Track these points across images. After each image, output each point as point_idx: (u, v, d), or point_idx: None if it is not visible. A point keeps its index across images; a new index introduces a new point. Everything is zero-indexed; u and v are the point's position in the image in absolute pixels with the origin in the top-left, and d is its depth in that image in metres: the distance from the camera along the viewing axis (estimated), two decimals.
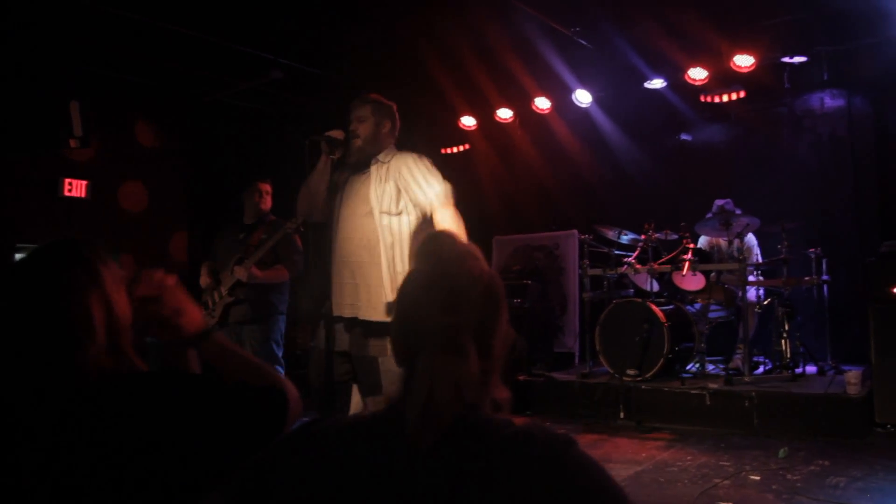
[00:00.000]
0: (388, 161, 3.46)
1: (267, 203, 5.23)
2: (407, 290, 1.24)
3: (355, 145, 3.47)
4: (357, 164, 3.51)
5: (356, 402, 3.56)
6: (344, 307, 3.39)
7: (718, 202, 6.61)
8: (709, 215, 6.49)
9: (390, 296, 3.27)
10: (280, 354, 5.06)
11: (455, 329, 1.15)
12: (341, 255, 3.42)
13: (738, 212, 6.34)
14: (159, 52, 6.83)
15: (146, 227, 7.64)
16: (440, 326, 1.14)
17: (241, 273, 4.74)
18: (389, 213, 3.36)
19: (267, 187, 5.23)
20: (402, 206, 3.38)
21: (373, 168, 3.45)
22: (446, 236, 1.31)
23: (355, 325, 3.34)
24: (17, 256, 6.15)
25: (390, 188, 3.37)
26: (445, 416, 1.09)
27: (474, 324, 1.17)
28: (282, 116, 8.39)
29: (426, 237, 1.32)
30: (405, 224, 3.38)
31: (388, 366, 3.18)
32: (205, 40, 6.55)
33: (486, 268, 1.27)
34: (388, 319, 3.20)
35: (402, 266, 3.32)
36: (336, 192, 3.51)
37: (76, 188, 6.73)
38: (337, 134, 3.41)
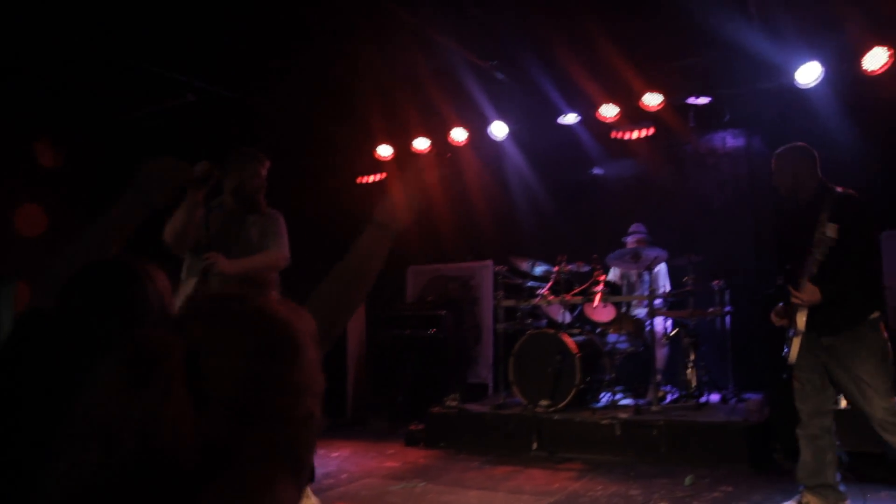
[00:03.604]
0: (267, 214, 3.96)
1: None
2: None
3: (252, 194, 3.88)
4: (239, 209, 3.89)
5: None
6: None
7: (632, 227, 6.85)
8: (626, 238, 6.72)
9: None
10: None
11: None
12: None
13: (648, 237, 6.68)
14: (65, 69, 6.55)
15: (45, 253, 7.25)
16: None
17: None
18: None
19: None
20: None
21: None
22: None
23: None
24: None
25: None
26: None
27: None
28: (195, 140, 8.17)
29: None
30: None
31: None
32: (116, 59, 6.33)
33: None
34: None
35: None
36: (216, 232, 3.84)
37: None
38: (202, 169, 3.34)
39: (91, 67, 6.56)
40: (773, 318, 4.00)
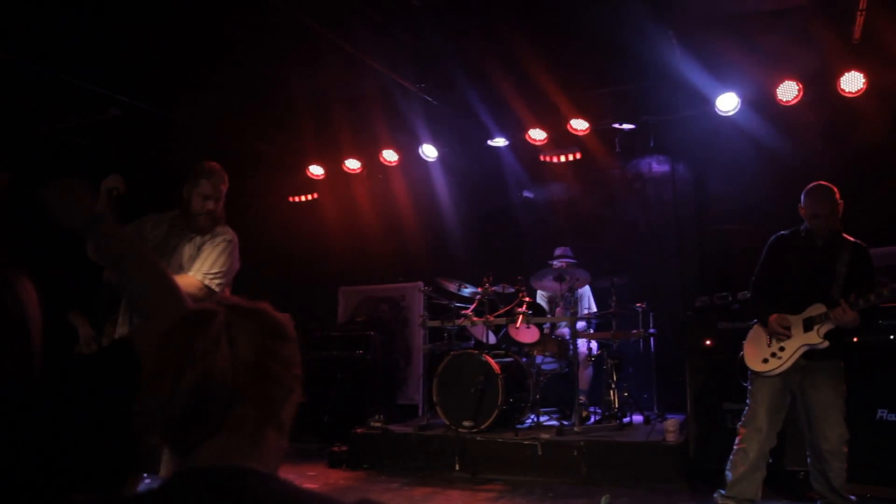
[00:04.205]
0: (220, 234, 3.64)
1: None
2: None
3: (194, 211, 3.58)
4: (193, 230, 3.61)
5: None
6: None
7: (557, 251, 6.96)
8: (553, 262, 6.80)
9: None
10: None
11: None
12: None
13: (574, 261, 6.74)
14: None
15: None
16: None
17: None
18: None
19: None
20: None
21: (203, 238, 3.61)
22: None
23: None
24: None
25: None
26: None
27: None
28: (120, 155, 8.00)
29: None
30: None
31: None
32: (36, 70, 6.17)
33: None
34: None
35: None
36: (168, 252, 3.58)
37: None
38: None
39: (9, 78, 6.38)
40: (777, 325, 4.02)
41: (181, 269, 3.54)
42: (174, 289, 1.66)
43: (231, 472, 1.06)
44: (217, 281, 3.46)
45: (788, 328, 4.00)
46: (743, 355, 4.21)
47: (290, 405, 1.18)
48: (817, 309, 3.97)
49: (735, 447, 4.05)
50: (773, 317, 4.05)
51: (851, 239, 4.10)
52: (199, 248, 3.54)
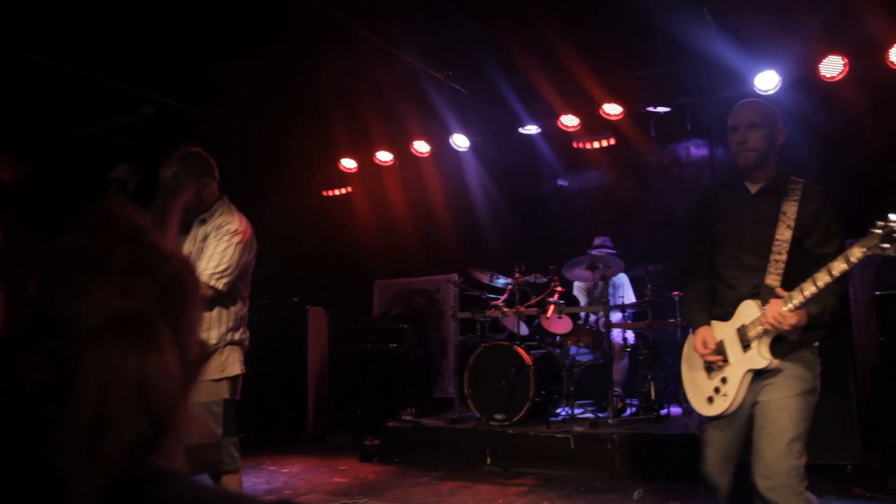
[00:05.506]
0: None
1: None
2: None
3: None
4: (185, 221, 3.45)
5: None
6: None
7: (597, 240, 6.79)
8: (592, 251, 6.64)
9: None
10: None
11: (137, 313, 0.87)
12: None
13: (614, 251, 6.57)
14: (23, 83, 6.52)
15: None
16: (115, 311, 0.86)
17: None
18: None
19: None
20: None
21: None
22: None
23: None
24: None
25: None
26: (124, 439, 0.80)
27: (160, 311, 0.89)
28: (154, 153, 8.11)
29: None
30: None
31: None
32: (73, 72, 6.30)
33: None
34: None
35: None
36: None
37: None
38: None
39: (48, 81, 6.52)
40: (701, 348, 2.79)
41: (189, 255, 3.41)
42: None
43: (138, 481, 0.85)
44: (224, 280, 3.22)
45: (721, 351, 2.75)
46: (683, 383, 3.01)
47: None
48: (748, 311, 2.68)
49: None
50: (699, 333, 2.82)
51: (802, 181, 2.79)
52: (204, 238, 3.38)
